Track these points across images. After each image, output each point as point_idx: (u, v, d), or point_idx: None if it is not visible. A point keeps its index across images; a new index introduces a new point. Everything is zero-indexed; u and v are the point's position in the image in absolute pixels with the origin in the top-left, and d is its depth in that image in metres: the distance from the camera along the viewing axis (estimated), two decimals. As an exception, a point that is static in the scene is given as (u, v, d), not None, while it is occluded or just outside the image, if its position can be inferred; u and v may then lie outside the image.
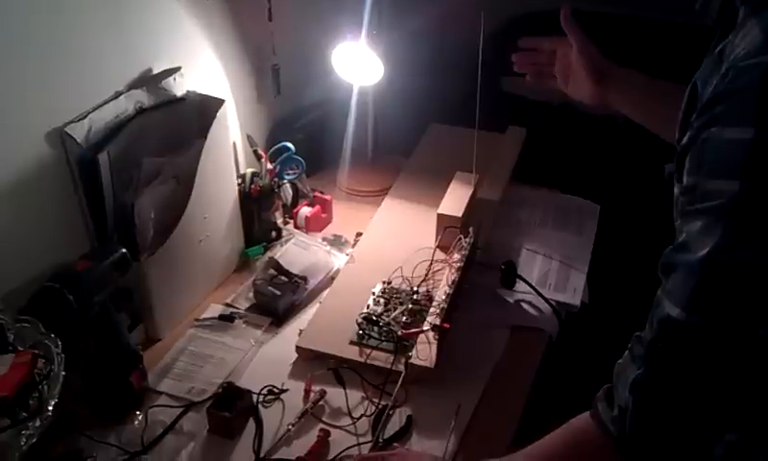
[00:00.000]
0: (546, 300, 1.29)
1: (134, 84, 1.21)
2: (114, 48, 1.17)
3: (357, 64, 1.47)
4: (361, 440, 1.07)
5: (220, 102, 1.27)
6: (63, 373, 0.86)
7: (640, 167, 1.33)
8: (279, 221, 1.46)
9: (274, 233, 1.44)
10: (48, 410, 0.82)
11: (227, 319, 1.27)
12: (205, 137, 1.23)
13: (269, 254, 1.39)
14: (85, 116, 1.12)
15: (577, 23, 1.11)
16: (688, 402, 0.71)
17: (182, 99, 1.27)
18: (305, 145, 1.55)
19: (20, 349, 0.90)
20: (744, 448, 0.73)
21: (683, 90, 0.75)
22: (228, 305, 1.31)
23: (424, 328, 1.16)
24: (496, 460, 0.89)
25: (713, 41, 0.74)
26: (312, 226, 1.48)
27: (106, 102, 1.16)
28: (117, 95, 1.18)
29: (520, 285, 1.32)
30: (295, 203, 1.50)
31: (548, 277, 1.36)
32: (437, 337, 1.14)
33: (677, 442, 0.73)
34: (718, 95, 0.66)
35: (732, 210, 0.64)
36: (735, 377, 0.68)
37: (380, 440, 1.06)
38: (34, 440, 0.81)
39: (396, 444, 1.05)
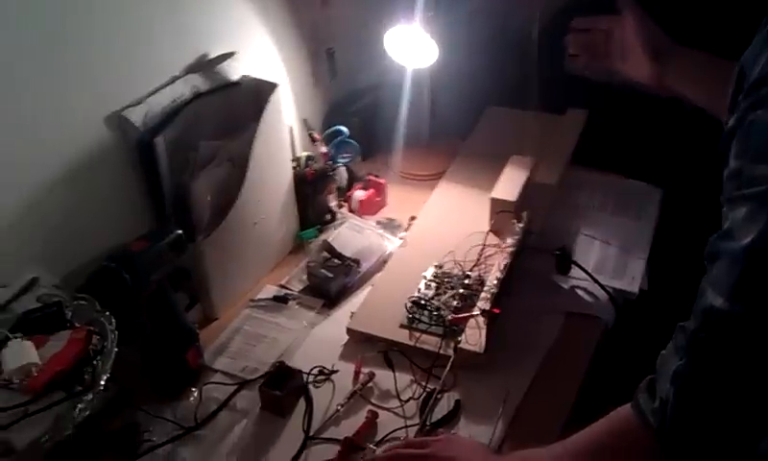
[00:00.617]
0: (603, 286, 1.25)
1: (191, 69, 1.24)
2: (170, 33, 1.20)
3: (411, 47, 1.45)
4: (408, 422, 1.07)
5: (274, 86, 1.28)
6: (116, 349, 0.90)
7: (705, 151, 1.27)
8: (334, 204, 1.47)
9: (328, 216, 1.45)
10: (100, 384, 0.85)
11: (281, 300, 1.29)
12: (259, 121, 1.24)
13: (323, 236, 1.40)
14: (143, 101, 1.15)
15: (634, 0, 1.07)
16: (730, 395, 0.68)
17: (238, 83, 1.29)
18: (360, 128, 1.56)
19: (77, 325, 0.93)
20: None
21: None
22: (283, 287, 1.33)
23: (474, 313, 1.15)
24: (539, 449, 0.87)
25: (764, 20, 0.70)
26: (366, 209, 1.48)
27: (162, 86, 1.19)
28: (174, 80, 1.21)
29: (576, 271, 1.29)
30: (349, 186, 1.51)
31: (605, 263, 1.32)
32: (487, 322, 1.13)
33: (719, 436, 0.70)
34: (765, 76, 0.63)
35: None
36: None
37: (427, 423, 1.06)
38: (87, 413, 0.85)
39: (441, 429, 1.05)
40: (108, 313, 0.95)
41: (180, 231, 1.10)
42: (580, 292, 1.27)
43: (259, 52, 1.39)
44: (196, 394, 1.13)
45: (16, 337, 0.92)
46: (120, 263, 1.02)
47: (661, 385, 0.73)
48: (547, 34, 1.25)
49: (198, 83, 1.23)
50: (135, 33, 1.13)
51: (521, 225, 1.27)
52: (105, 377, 0.88)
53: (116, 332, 0.92)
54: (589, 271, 1.28)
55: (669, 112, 1.51)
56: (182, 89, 1.21)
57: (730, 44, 1.05)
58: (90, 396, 0.86)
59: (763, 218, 0.62)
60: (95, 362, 0.91)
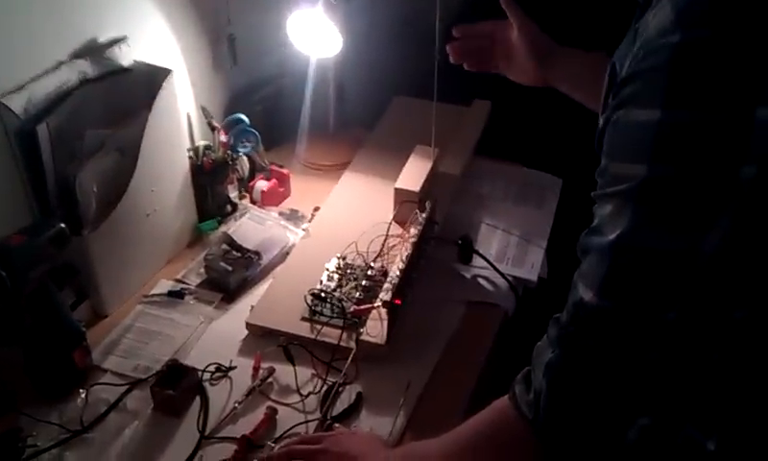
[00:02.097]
0: (503, 275, 1.27)
1: (78, 54, 1.17)
2: (56, 16, 1.12)
3: (315, 34, 1.43)
4: (309, 417, 1.05)
5: (168, 72, 1.23)
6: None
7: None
8: (234, 195, 1.43)
9: (228, 207, 1.41)
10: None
11: (176, 295, 1.24)
12: (151, 109, 1.19)
13: (223, 228, 1.35)
14: (24, 87, 1.08)
15: (516, 3, 1.08)
16: (600, 386, 0.70)
17: (128, 69, 1.23)
18: (263, 117, 1.52)
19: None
20: (657, 432, 0.71)
21: None
22: (179, 281, 1.28)
23: (375, 305, 1.14)
24: (430, 440, 0.87)
25: (634, 18, 0.72)
26: (268, 200, 1.45)
27: (46, 72, 1.11)
28: (59, 65, 1.13)
29: (478, 260, 1.30)
30: (251, 176, 1.47)
31: (507, 252, 1.34)
32: (388, 313, 1.12)
33: (590, 426, 0.72)
34: (629, 75, 0.64)
35: (640, 194, 0.63)
36: (646, 362, 0.67)
37: (328, 417, 1.04)
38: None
39: (337, 424, 1.03)
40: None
41: (63, 225, 1.04)
42: (481, 281, 1.28)
43: (154, 37, 1.33)
44: (83, 395, 1.07)
45: None
46: (-5, 259, 0.96)
47: (536, 377, 0.74)
48: (451, 22, 1.25)
49: (85, 68, 1.16)
50: (17, 15, 1.06)
51: (424, 215, 1.26)
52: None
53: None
54: (491, 260, 1.29)
55: (569, 104, 1.54)
56: (69, 75, 1.14)
57: (610, 42, 1.08)
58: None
59: (627, 215, 0.64)
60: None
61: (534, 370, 0.76)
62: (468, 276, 1.29)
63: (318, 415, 1.05)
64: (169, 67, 1.25)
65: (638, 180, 0.62)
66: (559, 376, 0.71)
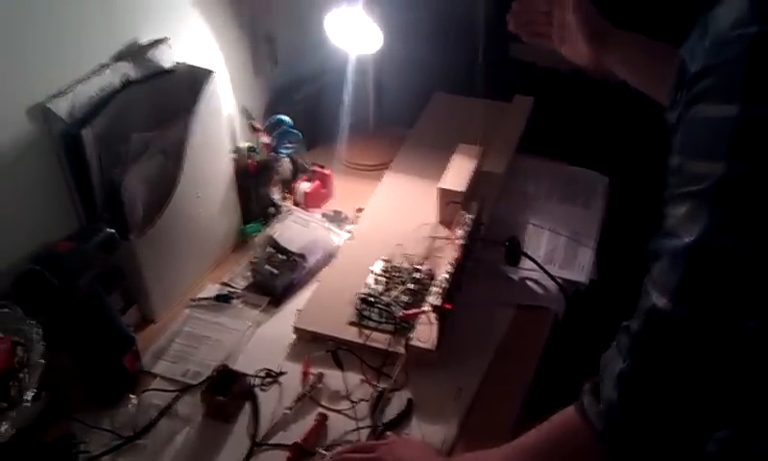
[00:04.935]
0: (552, 277, 1.24)
1: (120, 56, 1.16)
2: (98, 18, 1.12)
3: (354, 32, 1.41)
4: (360, 424, 1.03)
5: (209, 73, 1.22)
6: (43, 361, 0.83)
7: (650, 138, 1.27)
8: (277, 197, 1.42)
9: (272, 210, 1.40)
10: (27, 400, 0.79)
11: (223, 299, 1.24)
12: (194, 111, 1.18)
13: (267, 231, 1.34)
14: (68, 90, 1.07)
15: None
16: (676, 398, 0.67)
17: (170, 71, 1.22)
18: (304, 117, 1.50)
19: (0, 336, 0.86)
20: (737, 446, 0.69)
21: None
22: (225, 285, 1.28)
23: (425, 309, 1.12)
24: (489, 451, 0.85)
25: (701, 12, 0.69)
26: (311, 201, 1.43)
27: (89, 75, 1.11)
28: (102, 68, 1.13)
29: (526, 262, 1.27)
30: (293, 177, 1.46)
31: (555, 253, 1.31)
32: (438, 318, 1.10)
33: (665, 439, 0.69)
34: (702, 70, 0.61)
35: (717, 193, 0.60)
36: (724, 372, 0.64)
37: (379, 424, 1.03)
38: (13, 431, 0.78)
39: (389, 432, 1.01)
40: (33, 322, 0.87)
41: (111, 230, 1.04)
42: (530, 283, 1.25)
43: (194, 38, 1.32)
44: (135, 401, 1.07)
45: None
46: (45, 265, 0.95)
47: (606, 388, 0.72)
48: (493, 19, 1.22)
49: (128, 71, 1.16)
50: (60, 18, 1.05)
51: (471, 216, 1.24)
52: (31, 392, 0.82)
53: (43, 343, 0.85)
54: (539, 261, 1.26)
55: (614, 99, 1.51)
56: (111, 78, 1.14)
57: (666, 27, 1.04)
58: (14, 413, 0.79)
59: (705, 217, 0.61)
60: (21, 376, 0.84)
61: (603, 380, 0.73)
62: (515, 278, 1.26)
63: (369, 422, 1.03)
64: (210, 68, 1.24)
65: (716, 178, 0.60)
66: (632, 388, 0.69)
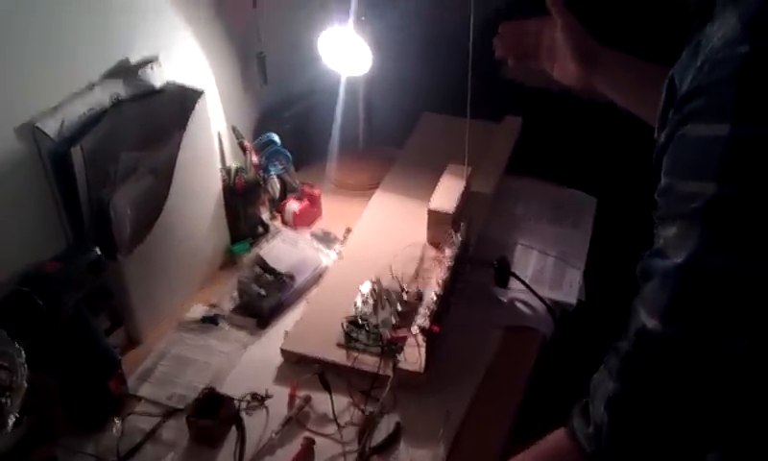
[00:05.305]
0: (541, 298, 1.24)
1: (110, 75, 1.16)
2: (87, 37, 1.11)
3: (345, 52, 1.41)
4: (347, 448, 1.02)
5: (200, 93, 1.21)
6: (26, 385, 0.82)
7: (638, 159, 1.28)
8: (266, 216, 1.41)
9: (260, 229, 1.39)
10: (8, 424, 0.78)
11: (210, 320, 1.23)
12: (184, 130, 1.17)
13: (255, 250, 1.34)
14: (58, 109, 1.07)
15: (563, 2, 1.06)
16: (667, 420, 0.67)
17: (161, 90, 1.21)
18: (293, 136, 1.50)
19: (-18, 359, 0.85)
20: None
21: None
22: (213, 306, 1.26)
23: (413, 332, 1.12)
24: None
25: (692, 31, 0.69)
26: (300, 221, 1.43)
27: (79, 94, 1.10)
28: (91, 86, 1.12)
29: (514, 283, 1.27)
30: (282, 197, 1.45)
31: (543, 273, 1.31)
32: (426, 340, 1.09)
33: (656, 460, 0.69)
34: (694, 90, 0.61)
35: (709, 214, 0.60)
36: (716, 393, 0.64)
37: (367, 449, 1.02)
38: (-5, 458, 0.77)
39: (376, 456, 1.01)
40: (16, 344, 0.86)
41: (99, 250, 1.03)
42: (519, 304, 1.25)
43: (185, 57, 1.32)
44: (119, 425, 1.06)
45: None
46: (32, 286, 0.94)
47: (596, 409, 0.71)
48: (481, 40, 1.23)
49: (118, 89, 1.15)
50: (49, 36, 1.05)
51: (460, 236, 1.24)
52: (13, 417, 0.80)
53: (26, 365, 0.84)
54: (527, 282, 1.26)
55: (602, 120, 1.52)
56: (101, 97, 1.13)
57: (655, 47, 1.05)
58: (-4, 438, 0.78)
59: (695, 237, 0.61)
60: (3, 400, 0.83)
61: (593, 402, 0.73)
62: (504, 299, 1.26)
63: (356, 446, 1.03)
64: (200, 87, 1.24)
65: (707, 198, 0.60)
66: (622, 410, 0.69)
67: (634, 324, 0.67)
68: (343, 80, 1.49)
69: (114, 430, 1.05)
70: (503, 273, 1.27)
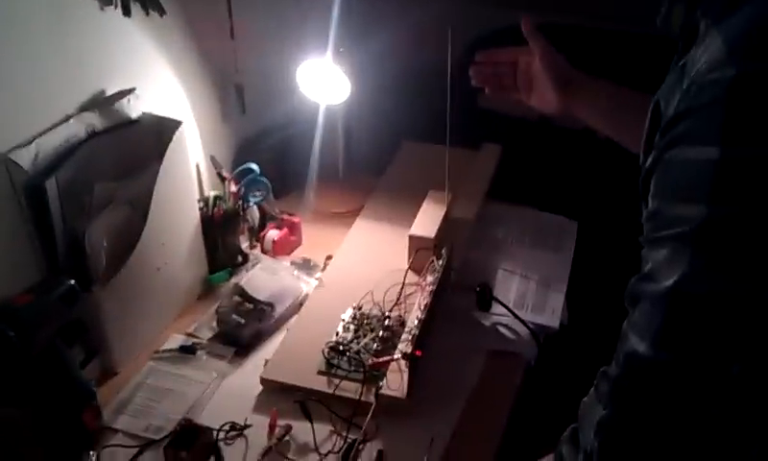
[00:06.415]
0: (524, 322, 1.23)
1: (86, 107, 1.15)
2: (63, 69, 1.11)
3: (324, 82, 1.42)
4: (329, 478, 1.00)
5: (177, 123, 1.21)
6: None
7: (620, 182, 1.29)
8: (245, 245, 1.40)
9: (239, 258, 1.38)
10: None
11: (188, 350, 1.20)
12: (161, 161, 1.17)
13: (234, 280, 1.32)
14: (32, 141, 1.06)
15: (539, 31, 1.07)
16: (658, 446, 0.65)
17: (137, 121, 1.21)
18: (272, 165, 1.50)
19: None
20: None
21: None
22: (191, 335, 1.25)
23: (395, 357, 1.11)
24: None
25: (676, 55, 0.69)
26: (280, 249, 1.42)
27: (54, 126, 1.09)
28: (67, 118, 1.11)
29: (497, 307, 1.26)
30: (262, 226, 1.45)
31: (526, 298, 1.31)
32: (408, 366, 1.08)
33: None
34: (681, 113, 0.61)
35: (698, 237, 0.59)
36: (708, 419, 0.62)
37: (348, 478, 1.00)
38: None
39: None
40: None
41: (72, 282, 1.01)
42: (501, 329, 1.24)
43: (162, 87, 1.32)
44: (94, 458, 1.03)
45: None
46: (2, 320, 0.92)
47: (585, 436, 0.70)
48: (460, 68, 1.24)
49: (93, 121, 1.14)
50: (23, 67, 1.04)
51: (441, 262, 1.24)
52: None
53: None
54: (510, 306, 1.25)
55: (582, 145, 1.53)
56: (76, 129, 1.12)
57: (633, 74, 1.06)
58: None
59: (685, 260, 0.60)
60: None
61: (582, 428, 0.71)
62: (487, 324, 1.25)
63: (338, 475, 1.01)
64: (178, 118, 1.24)
65: (697, 221, 0.59)
66: (612, 436, 0.67)
67: (623, 348, 0.66)
68: (322, 109, 1.49)
69: (90, 465, 1.02)
70: (485, 297, 1.27)
